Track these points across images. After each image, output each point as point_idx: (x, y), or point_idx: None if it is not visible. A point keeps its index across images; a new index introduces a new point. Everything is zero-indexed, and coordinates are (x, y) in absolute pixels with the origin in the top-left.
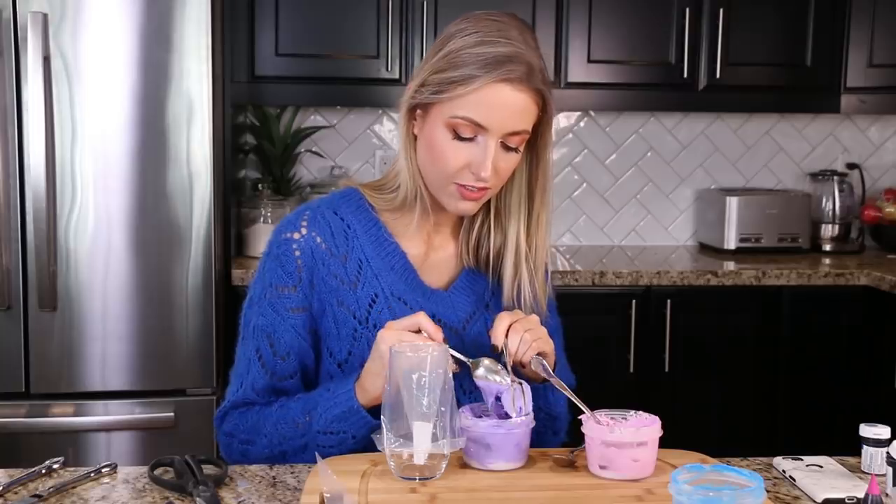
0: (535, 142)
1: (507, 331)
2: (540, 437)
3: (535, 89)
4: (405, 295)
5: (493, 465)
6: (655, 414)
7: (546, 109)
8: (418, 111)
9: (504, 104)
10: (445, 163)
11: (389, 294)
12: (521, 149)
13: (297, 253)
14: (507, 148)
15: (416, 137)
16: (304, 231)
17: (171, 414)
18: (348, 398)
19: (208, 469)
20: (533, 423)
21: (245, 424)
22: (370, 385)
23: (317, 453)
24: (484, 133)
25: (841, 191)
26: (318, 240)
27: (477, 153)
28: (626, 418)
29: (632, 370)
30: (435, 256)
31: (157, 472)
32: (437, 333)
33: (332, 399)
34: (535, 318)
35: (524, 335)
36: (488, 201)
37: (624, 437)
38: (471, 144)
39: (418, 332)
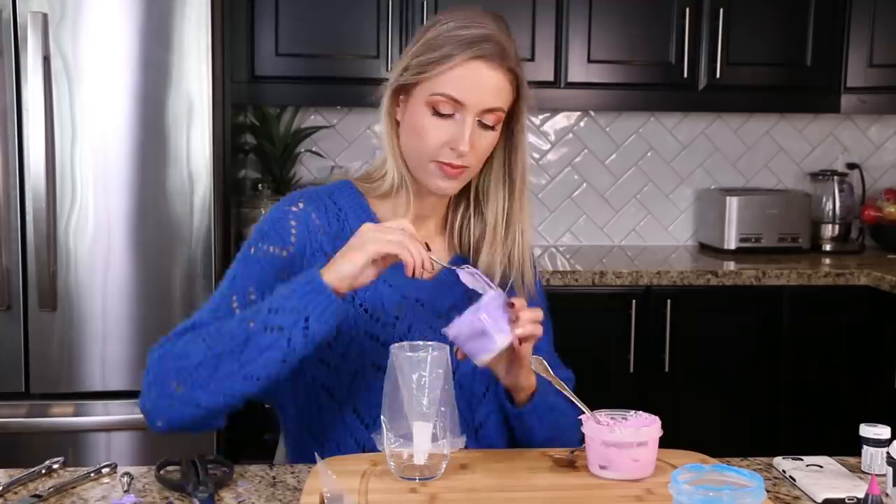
0: (511, 127)
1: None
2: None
3: (508, 68)
4: (391, 278)
5: (499, 343)
6: (655, 414)
7: (520, 93)
8: (401, 97)
9: (479, 80)
10: (426, 140)
11: None
12: (498, 129)
13: (293, 222)
14: (484, 126)
15: (398, 123)
16: (301, 206)
17: None
18: (310, 273)
19: (215, 469)
20: (504, 296)
21: (175, 345)
22: (339, 264)
23: (317, 454)
24: (461, 109)
25: (841, 191)
26: (314, 215)
27: (455, 129)
28: (626, 418)
29: (632, 370)
30: None
31: (162, 471)
32: (418, 236)
33: (290, 281)
34: (540, 312)
35: (524, 313)
36: (468, 189)
37: (624, 437)
38: (449, 121)
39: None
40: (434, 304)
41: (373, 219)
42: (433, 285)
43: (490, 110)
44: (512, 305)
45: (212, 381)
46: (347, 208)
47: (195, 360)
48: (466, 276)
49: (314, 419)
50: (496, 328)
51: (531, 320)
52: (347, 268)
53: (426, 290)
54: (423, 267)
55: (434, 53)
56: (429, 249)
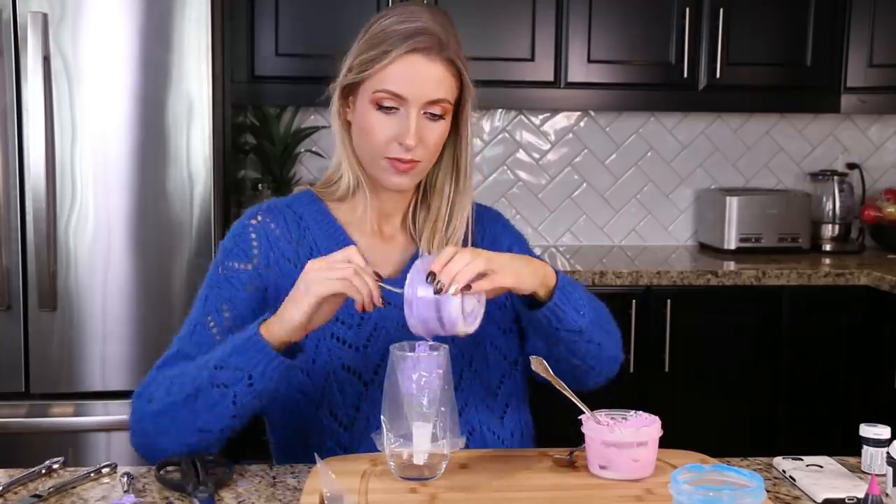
0: (456, 118)
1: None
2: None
3: (447, 59)
4: None
5: (455, 316)
6: (655, 414)
7: (464, 83)
8: (350, 97)
9: (417, 73)
10: (374, 137)
11: None
12: (447, 119)
13: (254, 235)
14: (431, 117)
15: (349, 124)
16: (259, 218)
17: None
18: (251, 328)
19: (215, 469)
20: (422, 265)
21: (153, 381)
22: (288, 314)
23: (316, 454)
24: (404, 104)
25: (841, 191)
26: (273, 225)
27: (401, 124)
28: (626, 418)
29: (632, 370)
30: (386, 247)
31: (162, 471)
32: (367, 267)
33: (235, 336)
34: (449, 250)
35: (454, 261)
36: (421, 181)
37: (624, 437)
38: (394, 116)
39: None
40: (398, 301)
41: (332, 223)
42: (396, 284)
43: (434, 102)
44: (432, 275)
45: (172, 429)
46: (307, 215)
47: (157, 407)
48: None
49: (295, 423)
50: (439, 308)
51: (447, 270)
52: (296, 315)
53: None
54: (371, 300)
55: (374, 51)
56: (379, 278)
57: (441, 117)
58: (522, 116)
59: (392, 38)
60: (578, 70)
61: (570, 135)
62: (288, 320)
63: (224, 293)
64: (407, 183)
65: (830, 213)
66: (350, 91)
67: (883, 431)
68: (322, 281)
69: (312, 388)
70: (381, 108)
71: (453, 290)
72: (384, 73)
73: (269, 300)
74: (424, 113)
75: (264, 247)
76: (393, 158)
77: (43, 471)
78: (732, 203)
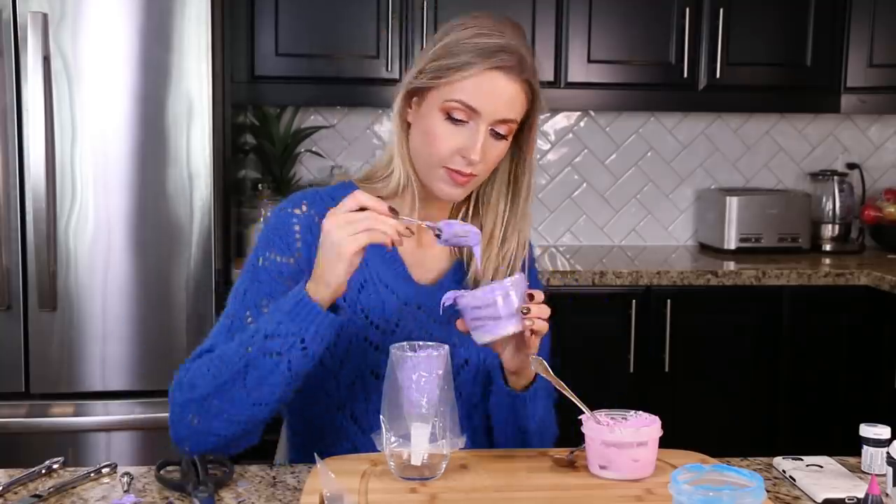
0: (520, 137)
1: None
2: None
3: (525, 80)
4: (392, 283)
5: (506, 329)
6: (655, 414)
7: (534, 105)
8: (414, 98)
9: (496, 91)
10: (438, 146)
11: (378, 280)
12: (509, 139)
13: (297, 227)
14: (496, 135)
15: (409, 125)
16: (304, 208)
17: None
18: (297, 292)
19: (215, 469)
20: (527, 283)
21: (189, 371)
22: (329, 276)
23: (316, 454)
24: (476, 118)
25: (841, 191)
26: (317, 219)
27: (468, 137)
28: (626, 418)
29: (632, 370)
30: (424, 254)
31: (162, 471)
32: (381, 205)
33: (281, 302)
34: (548, 310)
35: (536, 307)
36: (470, 194)
37: (624, 437)
38: (462, 128)
39: (363, 209)
40: (434, 310)
41: None
42: (434, 293)
43: (503, 121)
44: (531, 297)
45: (224, 411)
46: None
47: (203, 391)
48: (445, 235)
49: (314, 421)
50: (508, 313)
51: (542, 316)
52: (333, 279)
53: (427, 297)
54: (400, 236)
55: (452, 59)
56: (396, 214)
57: (504, 137)
58: None
59: (474, 50)
60: (578, 70)
61: (570, 135)
62: (326, 283)
63: (265, 288)
64: (459, 194)
65: (830, 213)
66: (416, 94)
67: (883, 431)
68: (348, 240)
69: (337, 390)
70: (450, 117)
71: (527, 324)
72: (462, 84)
73: None
74: (490, 130)
75: (308, 240)
76: (452, 169)
77: (43, 471)
78: (732, 203)
